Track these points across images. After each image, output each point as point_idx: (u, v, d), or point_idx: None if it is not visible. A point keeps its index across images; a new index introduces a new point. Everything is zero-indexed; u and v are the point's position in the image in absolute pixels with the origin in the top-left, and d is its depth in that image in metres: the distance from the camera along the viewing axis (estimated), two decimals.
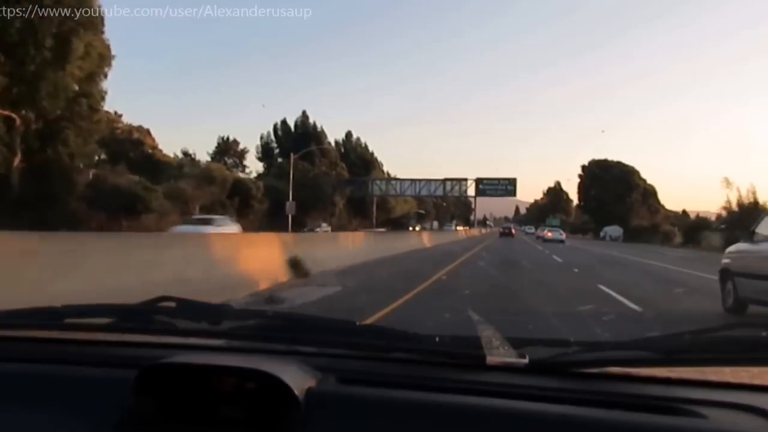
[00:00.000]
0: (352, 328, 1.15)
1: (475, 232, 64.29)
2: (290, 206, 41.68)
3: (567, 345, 1.03)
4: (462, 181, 65.28)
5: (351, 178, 62.75)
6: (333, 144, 71.22)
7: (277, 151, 62.53)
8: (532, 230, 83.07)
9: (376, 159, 75.34)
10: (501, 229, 70.51)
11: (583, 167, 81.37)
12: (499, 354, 0.99)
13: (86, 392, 0.94)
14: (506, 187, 65.38)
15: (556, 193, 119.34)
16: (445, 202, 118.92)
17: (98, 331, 1.17)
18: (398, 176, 70.85)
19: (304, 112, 63.63)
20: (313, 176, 55.50)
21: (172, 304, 1.17)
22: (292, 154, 46.52)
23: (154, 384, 0.88)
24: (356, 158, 70.58)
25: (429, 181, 65.59)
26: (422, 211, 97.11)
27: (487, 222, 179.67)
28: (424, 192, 66.62)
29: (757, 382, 0.98)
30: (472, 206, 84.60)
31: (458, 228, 66.87)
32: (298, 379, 0.87)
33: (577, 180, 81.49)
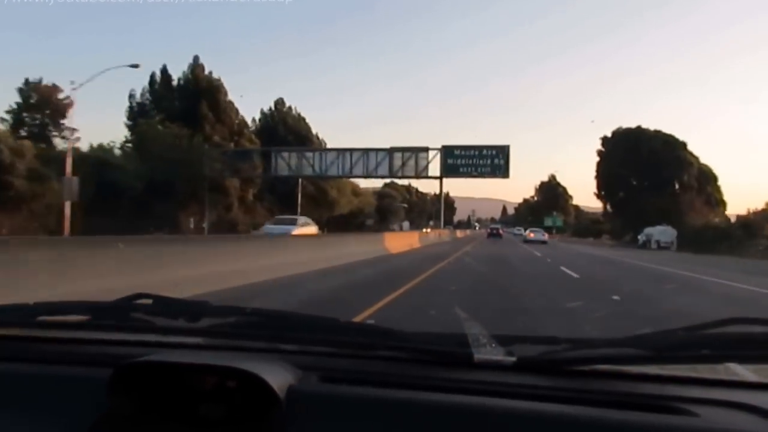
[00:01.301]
0: (335, 325, 1.10)
1: (432, 236, 36.83)
2: (68, 185, 20.94)
3: (556, 342, 1.01)
4: (421, 152, 39.01)
5: (240, 149, 40.94)
6: (259, 116, 50.57)
7: (155, 112, 41.47)
8: (521, 231, 70.57)
9: (316, 135, 54.40)
10: (488, 230, 64.37)
11: (605, 140, 56.13)
12: (487, 352, 0.98)
13: (61, 392, 0.91)
14: (492, 161, 39.11)
15: (551, 188, 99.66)
16: (428, 196, 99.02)
17: (73, 329, 1.13)
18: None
19: (196, 58, 42.36)
20: (186, 147, 34.72)
21: (149, 302, 1.14)
22: (70, 83, 25.53)
23: (132, 383, 0.87)
24: (286, 131, 49.75)
25: (366, 151, 39.21)
26: (405, 205, 77.18)
27: (472, 222, 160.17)
28: (357, 170, 40.22)
29: (750, 379, 0.96)
30: (453, 203, 63.66)
31: (427, 230, 43.85)
32: (279, 377, 0.85)
33: (572, 174, 59.95)
